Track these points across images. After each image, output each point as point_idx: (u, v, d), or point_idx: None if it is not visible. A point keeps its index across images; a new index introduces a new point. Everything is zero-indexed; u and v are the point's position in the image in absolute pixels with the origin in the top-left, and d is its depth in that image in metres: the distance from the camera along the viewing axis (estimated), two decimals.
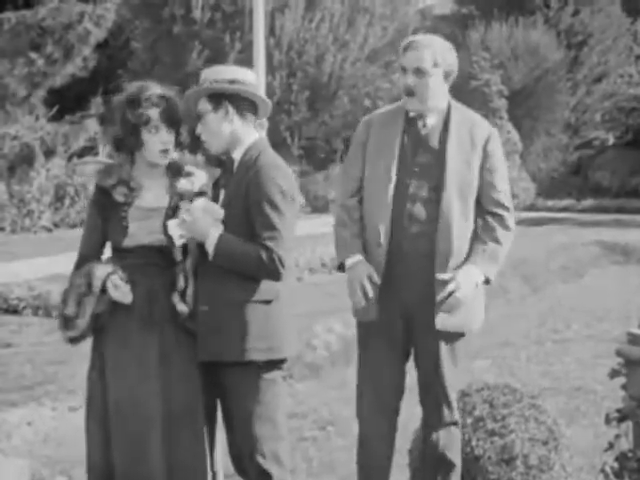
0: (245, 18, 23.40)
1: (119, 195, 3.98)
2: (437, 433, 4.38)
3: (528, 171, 22.94)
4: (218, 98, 3.99)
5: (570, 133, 28.38)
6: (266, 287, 3.92)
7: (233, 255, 3.87)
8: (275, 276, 3.89)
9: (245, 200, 3.93)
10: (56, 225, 18.94)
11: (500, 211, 4.30)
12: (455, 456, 4.41)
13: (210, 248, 3.90)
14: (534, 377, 7.73)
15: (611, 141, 28.54)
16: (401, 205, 4.23)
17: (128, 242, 3.95)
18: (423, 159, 4.26)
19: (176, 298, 3.95)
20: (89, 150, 20.97)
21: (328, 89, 24.69)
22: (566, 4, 28.52)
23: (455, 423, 4.41)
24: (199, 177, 4.08)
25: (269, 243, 3.85)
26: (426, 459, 4.48)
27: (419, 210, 4.22)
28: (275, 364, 3.98)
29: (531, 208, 22.45)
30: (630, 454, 4.25)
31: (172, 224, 3.95)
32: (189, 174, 4.08)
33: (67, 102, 22.08)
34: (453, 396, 4.40)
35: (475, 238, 4.27)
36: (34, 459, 5.57)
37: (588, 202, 25.56)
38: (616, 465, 4.30)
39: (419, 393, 4.42)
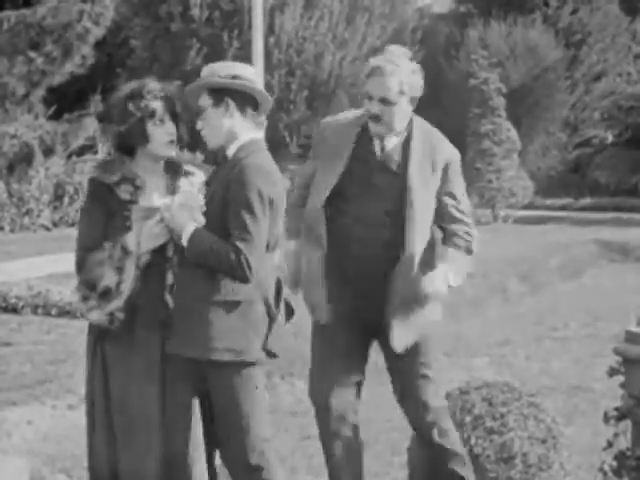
0: (244, 16, 23.39)
1: (124, 193, 3.94)
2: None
3: (527, 169, 22.93)
4: (219, 93, 3.98)
5: (569, 131, 28.40)
6: (237, 288, 3.88)
7: (204, 251, 3.85)
8: (242, 278, 3.85)
9: (224, 199, 3.90)
10: (55, 224, 18.94)
11: (464, 228, 4.34)
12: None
13: (184, 241, 3.88)
14: (533, 375, 7.74)
15: (610, 139, 28.55)
16: (351, 226, 4.27)
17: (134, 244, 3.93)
18: (380, 181, 4.27)
19: (167, 296, 3.96)
20: (88, 149, 20.98)
21: (327, 88, 24.69)
22: (565, 3, 28.54)
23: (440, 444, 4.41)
24: (198, 176, 4.08)
25: (239, 244, 3.82)
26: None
27: (372, 234, 4.25)
28: (245, 365, 3.92)
29: (529, 206, 22.45)
30: (629, 452, 4.26)
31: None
32: (188, 173, 4.08)
33: (66, 101, 22.10)
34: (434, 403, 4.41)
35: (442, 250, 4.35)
36: (34, 457, 5.58)
37: (586, 200, 25.59)
38: (615, 464, 4.31)
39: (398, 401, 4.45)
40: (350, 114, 4.45)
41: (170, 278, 3.96)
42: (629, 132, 27.95)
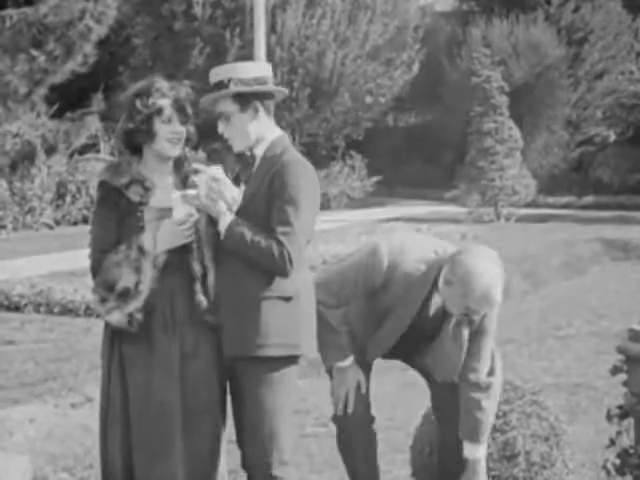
0: (246, 15, 23.38)
1: (134, 195, 3.91)
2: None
3: (529, 168, 22.87)
4: (245, 98, 3.97)
5: (571, 130, 28.36)
6: (286, 284, 3.91)
7: (243, 241, 3.85)
8: (282, 272, 3.87)
9: (267, 195, 3.91)
10: (57, 222, 18.94)
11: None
12: None
13: (222, 229, 3.88)
14: (536, 374, 7.74)
15: (612, 138, 28.52)
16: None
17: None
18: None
19: (197, 287, 3.92)
20: (91, 147, 20.98)
21: (329, 86, 24.66)
22: (567, 0, 28.50)
23: None
24: (216, 172, 4.04)
25: (282, 238, 3.84)
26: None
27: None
28: (289, 360, 3.96)
29: (532, 205, 22.40)
30: (631, 450, 4.26)
31: (176, 197, 3.90)
32: (197, 172, 4.03)
33: (68, 99, 22.07)
34: None
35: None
36: (36, 456, 5.58)
37: (589, 199, 25.53)
38: (617, 461, 4.31)
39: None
40: (416, 274, 4.37)
41: (198, 269, 3.93)
42: (631, 130, 27.95)
